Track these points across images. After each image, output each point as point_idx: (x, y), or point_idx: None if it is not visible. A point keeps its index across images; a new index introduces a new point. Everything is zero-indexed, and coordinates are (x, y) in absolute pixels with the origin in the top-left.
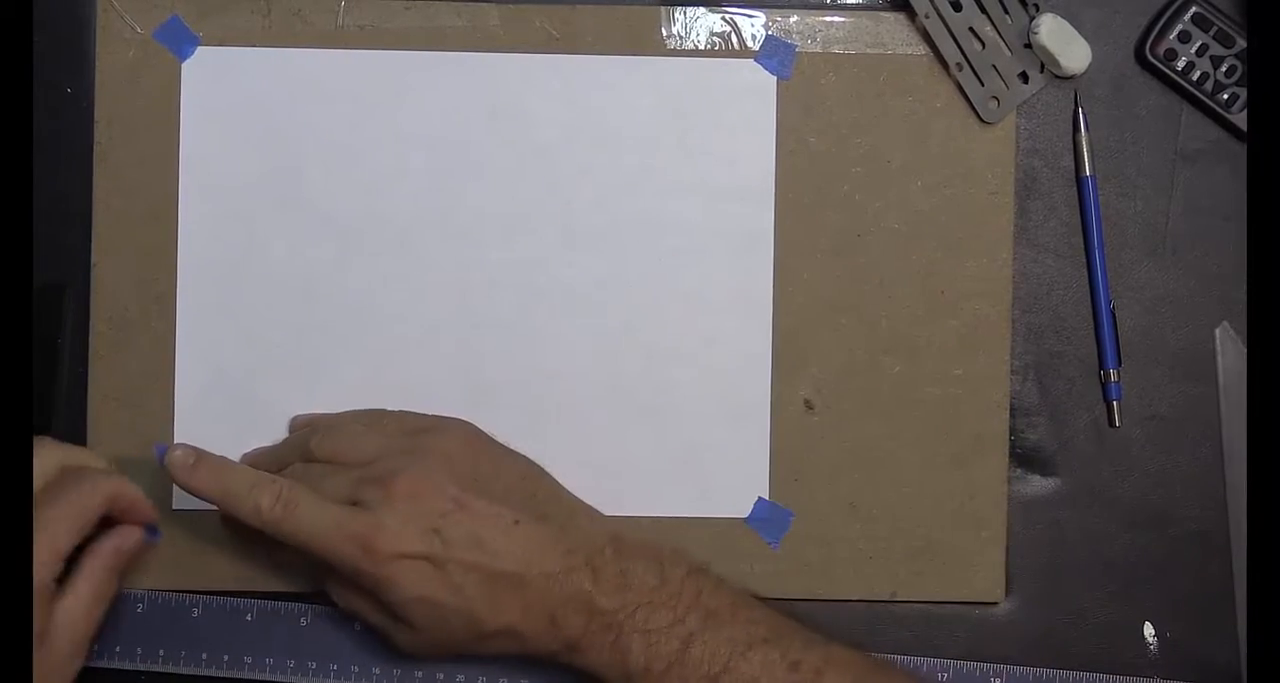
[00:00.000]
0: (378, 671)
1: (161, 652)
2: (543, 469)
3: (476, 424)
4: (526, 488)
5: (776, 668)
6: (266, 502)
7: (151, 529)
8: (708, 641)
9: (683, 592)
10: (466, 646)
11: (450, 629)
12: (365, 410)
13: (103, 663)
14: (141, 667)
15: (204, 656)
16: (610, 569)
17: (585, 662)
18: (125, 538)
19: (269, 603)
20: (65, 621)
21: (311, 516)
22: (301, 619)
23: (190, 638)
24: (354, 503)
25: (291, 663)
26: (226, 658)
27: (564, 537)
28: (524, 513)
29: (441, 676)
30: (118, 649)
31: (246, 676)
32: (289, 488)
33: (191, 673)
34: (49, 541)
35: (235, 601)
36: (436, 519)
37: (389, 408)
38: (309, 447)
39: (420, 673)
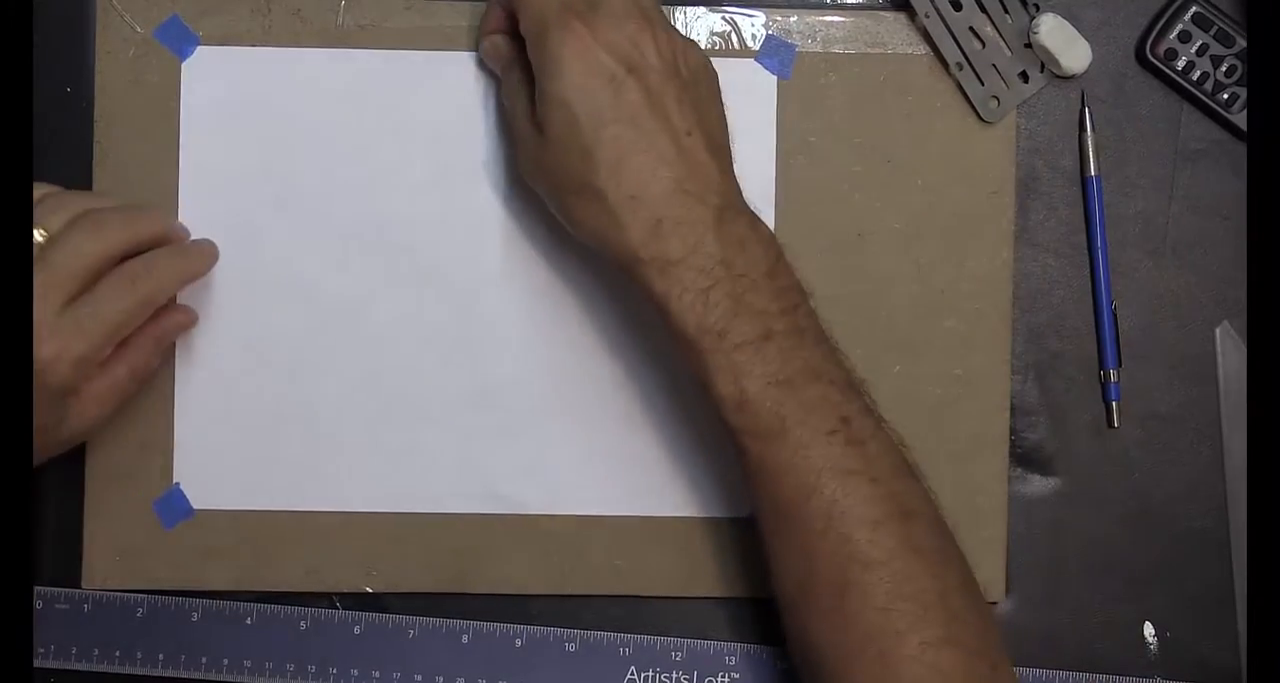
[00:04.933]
0: (377, 673)
1: (161, 656)
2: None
3: (476, 424)
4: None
5: (833, 410)
6: None
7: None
8: (791, 350)
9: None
10: (568, 186)
11: (568, 154)
12: None
13: (103, 667)
14: (141, 671)
15: (204, 659)
16: (732, 236)
17: (657, 285)
18: (169, 320)
19: (269, 607)
20: (89, 405)
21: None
22: (301, 623)
23: (190, 642)
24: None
25: (291, 667)
26: (226, 662)
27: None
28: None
29: (441, 678)
30: (117, 654)
31: (246, 679)
32: None
33: (192, 677)
34: (85, 349)
35: (235, 604)
36: (639, 51)
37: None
38: None
39: (420, 676)
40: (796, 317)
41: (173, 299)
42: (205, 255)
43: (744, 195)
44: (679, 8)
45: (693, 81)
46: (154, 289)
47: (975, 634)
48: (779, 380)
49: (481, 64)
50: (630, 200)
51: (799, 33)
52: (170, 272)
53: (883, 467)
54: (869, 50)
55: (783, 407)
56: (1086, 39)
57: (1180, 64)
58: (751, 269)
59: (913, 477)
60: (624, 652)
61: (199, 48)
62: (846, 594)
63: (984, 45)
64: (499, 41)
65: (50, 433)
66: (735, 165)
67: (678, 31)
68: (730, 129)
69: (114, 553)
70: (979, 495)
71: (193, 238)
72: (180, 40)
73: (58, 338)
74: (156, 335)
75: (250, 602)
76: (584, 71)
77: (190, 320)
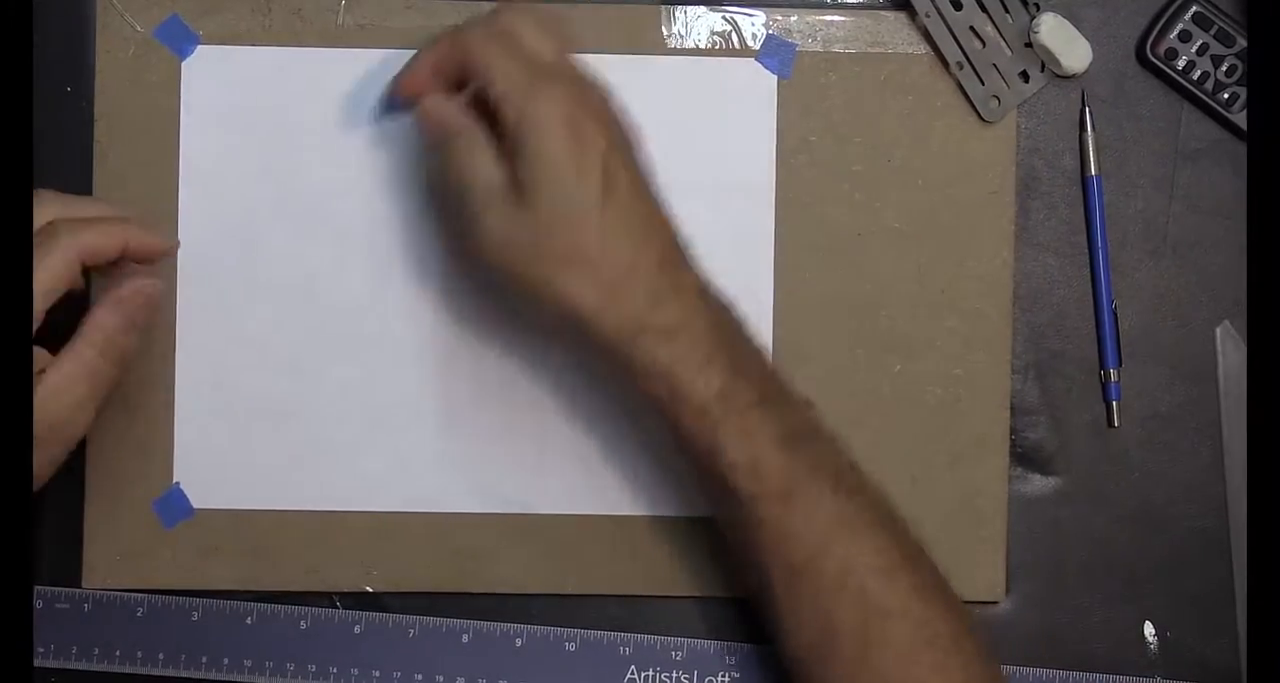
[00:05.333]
0: (378, 673)
1: (161, 655)
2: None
3: (476, 424)
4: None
5: (833, 459)
6: None
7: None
8: (780, 411)
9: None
10: (556, 258)
11: (560, 220)
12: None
13: (103, 667)
14: (142, 670)
15: (204, 659)
16: (716, 302)
17: (660, 356)
18: (130, 293)
19: (269, 606)
20: (52, 388)
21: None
22: (302, 622)
23: (191, 641)
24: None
25: (291, 667)
26: (227, 661)
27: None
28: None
29: (441, 678)
30: (118, 653)
31: (246, 679)
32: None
33: (192, 677)
34: None
35: (236, 604)
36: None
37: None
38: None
39: (420, 676)
40: (778, 378)
41: (142, 274)
42: (134, 228)
43: (743, 196)
44: (679, 8)
45: (637, 145)
46: (74, 245)
47: (987, 673)
48: (784, 441)
49: None
50: (629, 271)
51: (799, 32)
52: (95, 229)
53: (880, 515)
54: (869, 50)
55: (791, 466)
56: (1087, 39)
57: (1181, 64)
58: (736, 334)
59: (903, 522)
60: (624, 652)
61: (199, 48)
62: (870, 645)
63: (984, 45)
64: (444, 106)
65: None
66: (736, 165)
67: (604, 89)
68: (730, 129)
69: (114, 553)
70: (979, 496)
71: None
72: (180, 40)
73: None
74: (122, 312)
75: (250, 602)
76: (574, 136)
77: (156, 290)
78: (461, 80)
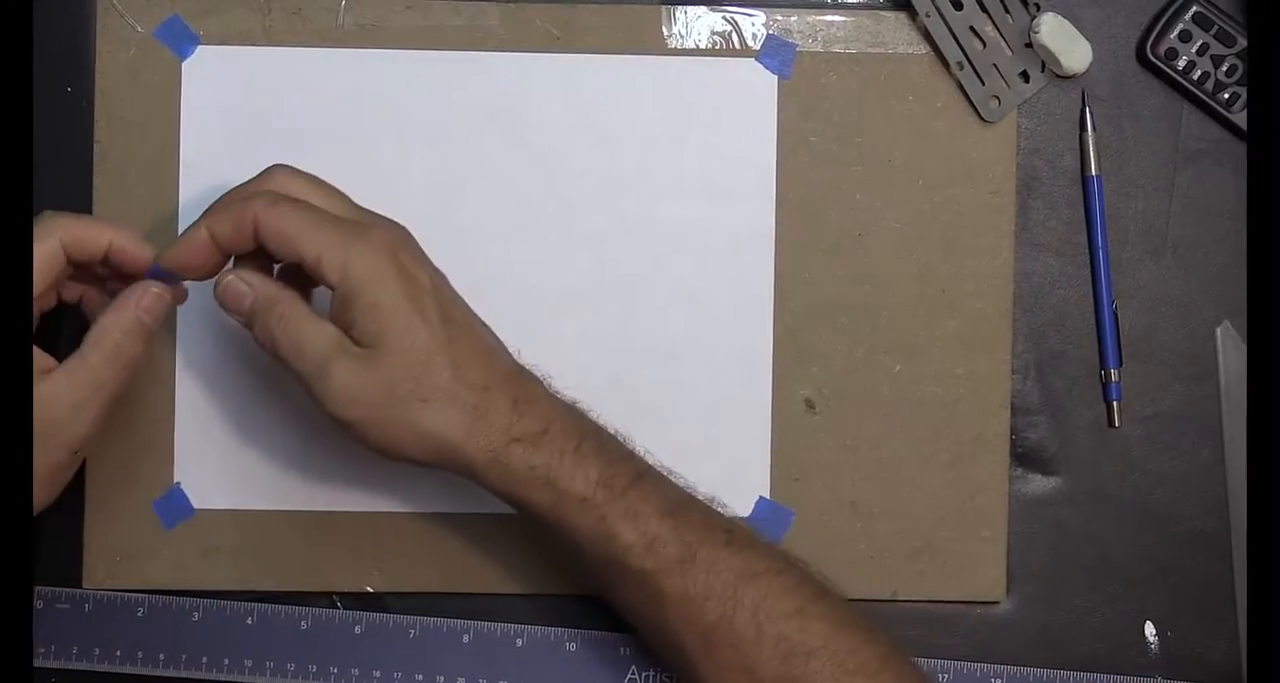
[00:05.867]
0: (378, 673)
1: (162, 656)
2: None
3: None
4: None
5: (716, 528)
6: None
7: (163, 275)
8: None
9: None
10: (413, 397)
11: (410, 364)
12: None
13: (104, 667)
14: (143, 671)
15: (204, 659)
16: (561, 398)
17: (535, 460)
18: (138, 296)
19: (270, 607)
20: (54, 389)
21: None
22: (302, 623)
23: (191, 642)
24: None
25: (292, 667)
26: (227, 662)
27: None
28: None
29: (441, 678)
30: (118, 653)
31: (246, 679)
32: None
33: (192, 677)
34: None
35: (236, 604)
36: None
37: None
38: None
39: (420, 676)
40: (638, 456)
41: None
42: (125, 232)
43: (743, 196)
44: (679, 8)
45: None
46: (58, 228)
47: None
48: (668, 511)
49: (481, 64)
50: (485, 392)
51: (799, 32)
52: (83, 220)
53: (775, 559)
54: (870, 50)
55: (682, 534)
56: (1087, 39)
57: (1181, 64)
58: (591, 424)
59: (801, 563)
60: (624, 652)
61: (199, 48)
62: None
63: (985, 45)
64: (251, 279)
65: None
66: (736, 165)
67: (394, 225)
68: (730, 129)
69: (114, 553)
70: (979, 495)
71: None
72: (180, 40)
73: None
74: (130, 315)
75: (250, 602)
76: (405, 280)
77: (166, 296)
78: (244, 250)
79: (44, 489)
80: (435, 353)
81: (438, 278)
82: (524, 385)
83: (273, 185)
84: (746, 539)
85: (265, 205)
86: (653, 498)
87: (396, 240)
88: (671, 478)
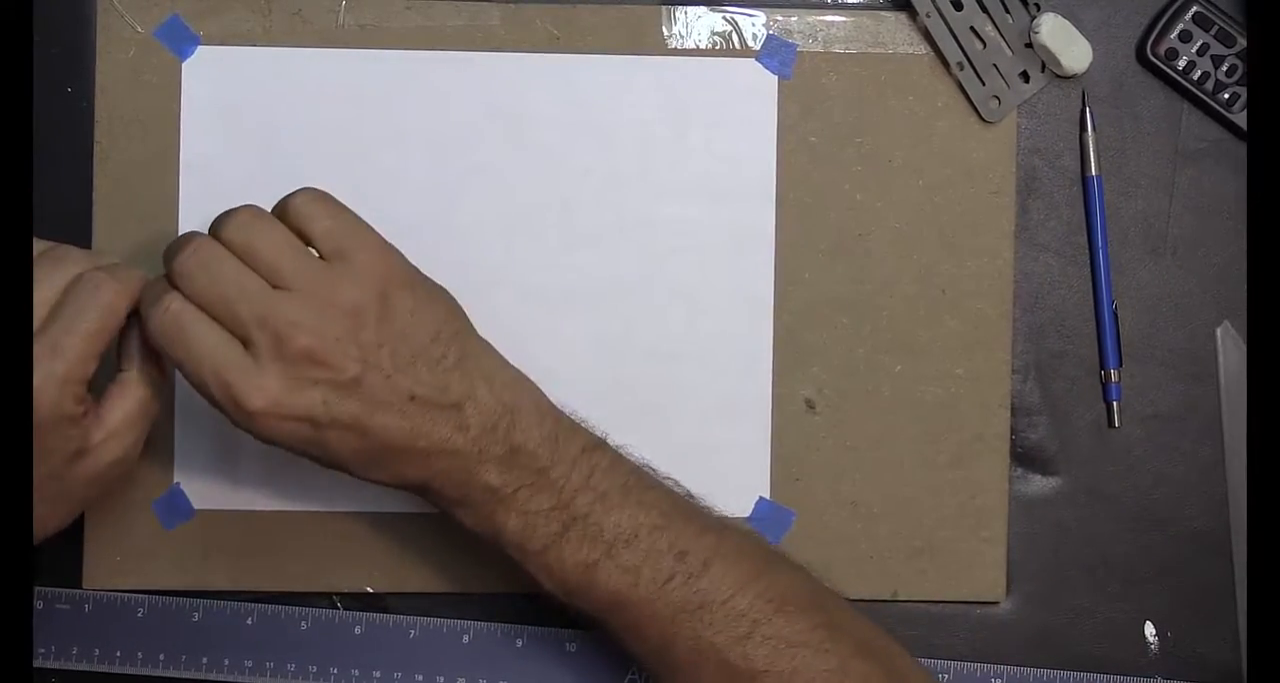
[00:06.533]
0: (378, 673)
1: (162, 656)
2: (458, 317)
3: None
4: (434, 353)
5: (662, 557)
6: (156, 311)
7: None
8: (590, 526)
9: (572, 474)
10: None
11: (323, 464)
12: (285, 207)
13: (104, 668)
14: (143, 671)
15: (204, 660)
16: (498, 449)
17: (460, 521)
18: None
19: (269, 607)
20: (114, 430)
21: (195, 341)
22: (302, 623)
23: (191, 642)
24: (244, 339)
25: (291, 667)
26: (227, 662)
27: (457, 414)
28: (423, 386)
29: (441, 678)
30: (118, 654)
31: (246, 679)
32: (179, 303)
33: (192, 677)
34: (64, 368)
35: (236, 605)
36: (327, 390)
37: None
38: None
39: (420, 676)
40: (590, 484)
41: None
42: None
43: (743, 196)
44: (679, 8)
45: (401, 326)
46: (119, 292)
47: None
48: (593, 561)
49: (482, 64)
50: (396, 480)
51: (799, 32)
52: (134, 275)
53: (733, 579)
54: (870, 50)
55: (611, 581)
56: (1087, 39)
57: (1181, 64)
58: (524, 478)
59: (767, 564)
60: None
61: (199, 48)
62: None
63: (985, 45)
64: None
65: (82, 463)
66: (736, 165)
67: (359, 265)
68: (730, 129)
69: (114, 553)
70: (979, 495)
71: None
72: (180, 40)
73: (38, 365)
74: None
75: (250, 602)
76: (291, 434)
77: None
78: None
79: (70, 517)
80: (324, 462)
81: (358, 381)
82: (449, 466)
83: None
84: (701, 559)
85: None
86: (579, 549)
87: (297, 382)
88: (644, 473)
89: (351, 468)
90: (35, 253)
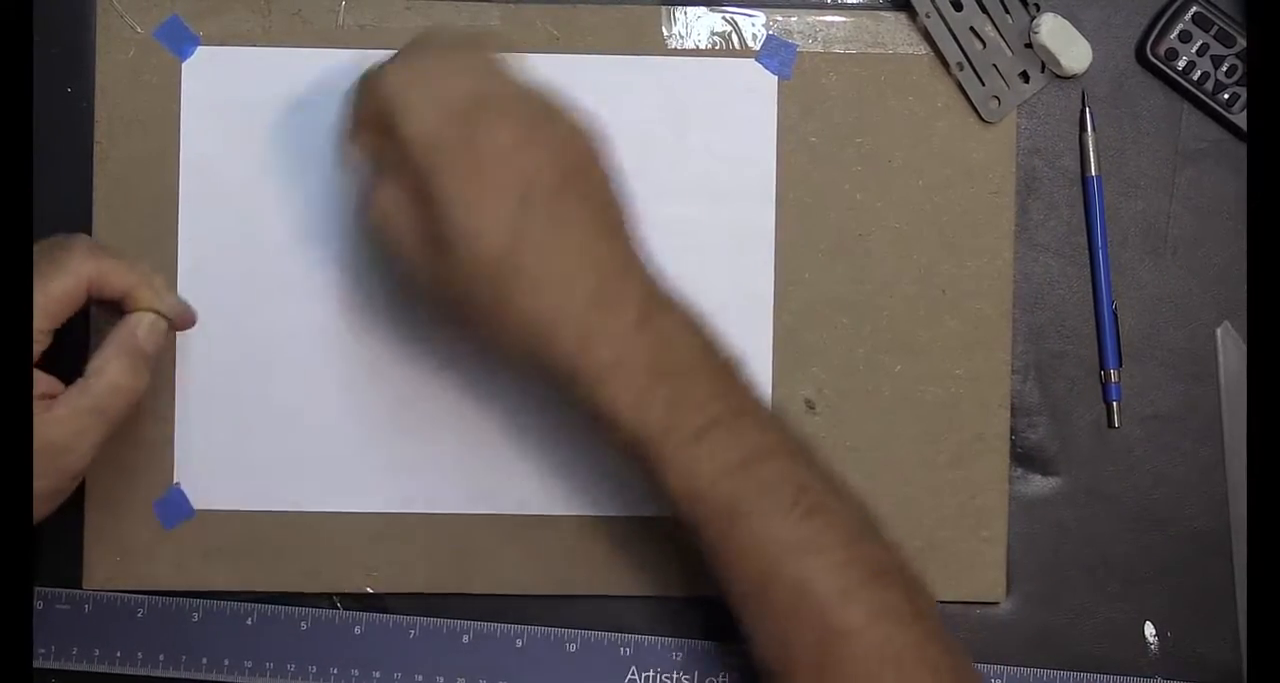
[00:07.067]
0: (378, 674)
1: (162, 656)
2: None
3: (476, 424)
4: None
5: (788, 485)
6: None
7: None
8: (734, 431)
9: (723, 374)
10: (481, 306)
11: (478, 276)
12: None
13: (103, 668)
14: (142, 672)
15: (204, 660)
16: (659, 334)
17: (596, 394)
18: (133, 326)
19: (269, 607)
20: (57, 416)
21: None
22: (302, 624)
23: (191, 642)
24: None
25: (292, 667)
26: (227, 662)
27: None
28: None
29: (441, 678)
30: (118, 654)
31: (246, 679)
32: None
33: (192, 677)
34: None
35: (236, 605)
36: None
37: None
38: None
39: (420, 677)
40: (736, 396)
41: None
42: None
43: (743, 196)
44: (679, 8)
45: (584, 169)
46: (86, 268)
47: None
48: (729, 468)
49: None
50: (554, 313)
51: (799, 33)
52: (112, 261)
53: (844, 532)
54: (869, 50)
55: (737, 493)
56: (1087, 39)
57: (1181, 64)
58: (683, 362)
59: (876, 534)
60: (624, 652)
61: (199, 48)
62: (827, 666)
63: (985, 45)
64: (372, 143)
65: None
66: (736, 165)
67: (554, 110)
68: (730, 129)
69: (114, 553)
70: (979, 495)
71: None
72: (180, 40)
73: None
74: (123, 340)
75: (250, 602)
76: (482, 183)
77: (162, 326)
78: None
79: (42, 508)
80: (500, 266)
81: (540, 177)
82: (606, 313)
83: (408, 65)
84: (820, 503)
85: (389, 83)
86: (720, 451)
87: (494, 134)
88: (780, 419)
89: (513, 296)
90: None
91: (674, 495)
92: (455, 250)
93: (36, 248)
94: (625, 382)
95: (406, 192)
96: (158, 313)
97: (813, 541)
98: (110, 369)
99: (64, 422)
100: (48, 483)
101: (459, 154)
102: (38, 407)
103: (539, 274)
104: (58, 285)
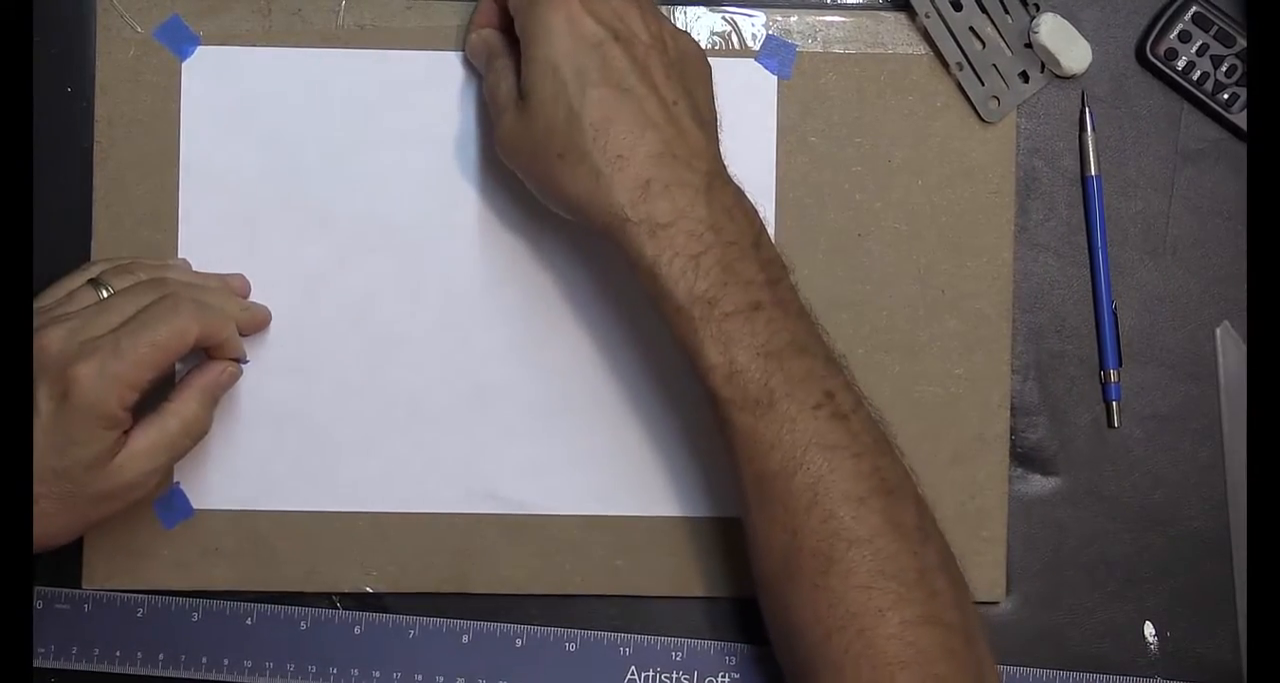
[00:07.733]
0: (378, 673)
1: (162, 656)
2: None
3: (476, 424)
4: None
5: (818, 385)
6: None
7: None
8: (777, 318)
9: (770, 268)
10: (552, 149)
11: (553, 117)
12: None
13: (104, 668)
14: (142, 671)
15: (204, 659)
16: (721, 203)
17: (647, 249)
18: (217, 373)
19: (269, 607)
20: (135, 451)
21: None
22: (302, 623)
23: (191, 642)
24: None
25: (291, 667)
26: (227, 662)
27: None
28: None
29: (441, 678)
30: (118, 654)
31: (246, 679)
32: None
33: (192, 677)
34: (118, 367)
35: (235, 604)
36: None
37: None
38: None
39: (420, 676)
40: (781, 289)
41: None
42: (259, 315)
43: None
44: (679, 8)
45: (679, 60)
46: (195, 319)
47: (953, 611)
48: (768, 352)
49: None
50: (617, 160)
51: (799, 33)
52: (220, 306)
53: (866, 442)
54: (869, 50)
55: (771, 378)
56: (1086, 39)
57: (1180, 64)
58: (740, 238)
59: (893, 453)
60: (624, 652)
61: (199, 48)
62: (830, 572)
63: (984, 45)
64: (488, 34)
65: (99, 475)
66: (735, 166)
67: (668, 19)
68: (730, 129)
69: (114, 553)
70: (979, 495)
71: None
72: (180, 40)
73: (94, 358)
74: (204, 385)
75: (250, 602)
76: (571, 35)
77: (238, 373)
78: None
79: (70, 531)
80: (575, 111)
81: (632, 41)
82: (674, 169)
83: None
84: (845, 410)
85: None
86: (760, 332)
87: (596, 2)
88: (820, 328)
89: (590, 118)
90: (146, 275)
91: (708, 369)
92: (536, 103)
93: (138, 286)
94: (681, 242)
95: (511, 57)
96: (235, 361)
97: (835, 441)
98: (187, 411)
99: (137, 459)
100: (107, 510)
101: (553, 14)
102: (115, 442)
103: (610, 114)
104: (176, 343)
